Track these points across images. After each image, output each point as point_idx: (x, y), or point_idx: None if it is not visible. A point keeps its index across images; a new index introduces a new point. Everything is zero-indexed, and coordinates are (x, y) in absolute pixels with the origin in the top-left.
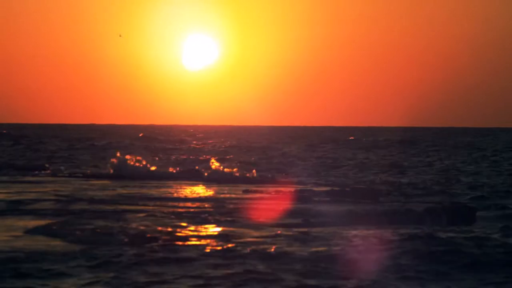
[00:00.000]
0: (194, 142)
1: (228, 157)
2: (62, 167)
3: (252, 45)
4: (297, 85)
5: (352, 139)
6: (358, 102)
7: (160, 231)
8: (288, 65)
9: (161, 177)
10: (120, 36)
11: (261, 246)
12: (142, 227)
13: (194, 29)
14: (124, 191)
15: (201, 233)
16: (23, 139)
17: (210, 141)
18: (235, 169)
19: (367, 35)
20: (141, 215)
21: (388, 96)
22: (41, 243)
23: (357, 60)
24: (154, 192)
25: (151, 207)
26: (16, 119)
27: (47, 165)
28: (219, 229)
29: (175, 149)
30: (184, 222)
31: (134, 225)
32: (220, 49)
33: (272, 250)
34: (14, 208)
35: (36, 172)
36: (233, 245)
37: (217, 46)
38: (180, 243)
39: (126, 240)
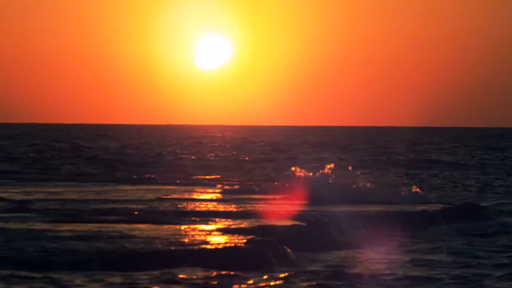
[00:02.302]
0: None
1: None
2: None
3: (264, 45)
4: (309, 85)
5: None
6: (370, 102)
7: None
8: (300, 65)
9: None
10: None
11: None
12: None
13: (207, 29)
14: None
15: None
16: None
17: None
18: None
19: (379, 35)
20: None
21: (401, 96)
22: None
23: (369, 60)
24: None
25: None
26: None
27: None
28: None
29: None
30: None
31: None
32: (233, 49)
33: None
34: None
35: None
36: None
37: (229, 46)
38: None
39: None
